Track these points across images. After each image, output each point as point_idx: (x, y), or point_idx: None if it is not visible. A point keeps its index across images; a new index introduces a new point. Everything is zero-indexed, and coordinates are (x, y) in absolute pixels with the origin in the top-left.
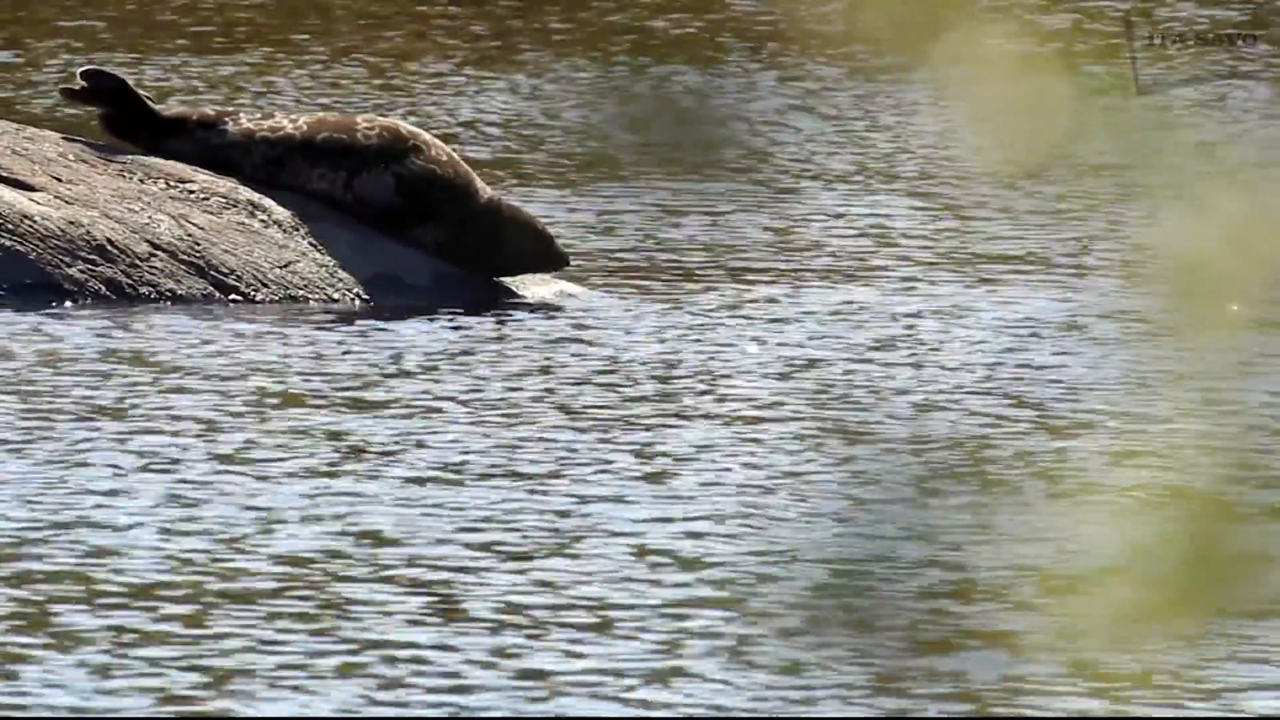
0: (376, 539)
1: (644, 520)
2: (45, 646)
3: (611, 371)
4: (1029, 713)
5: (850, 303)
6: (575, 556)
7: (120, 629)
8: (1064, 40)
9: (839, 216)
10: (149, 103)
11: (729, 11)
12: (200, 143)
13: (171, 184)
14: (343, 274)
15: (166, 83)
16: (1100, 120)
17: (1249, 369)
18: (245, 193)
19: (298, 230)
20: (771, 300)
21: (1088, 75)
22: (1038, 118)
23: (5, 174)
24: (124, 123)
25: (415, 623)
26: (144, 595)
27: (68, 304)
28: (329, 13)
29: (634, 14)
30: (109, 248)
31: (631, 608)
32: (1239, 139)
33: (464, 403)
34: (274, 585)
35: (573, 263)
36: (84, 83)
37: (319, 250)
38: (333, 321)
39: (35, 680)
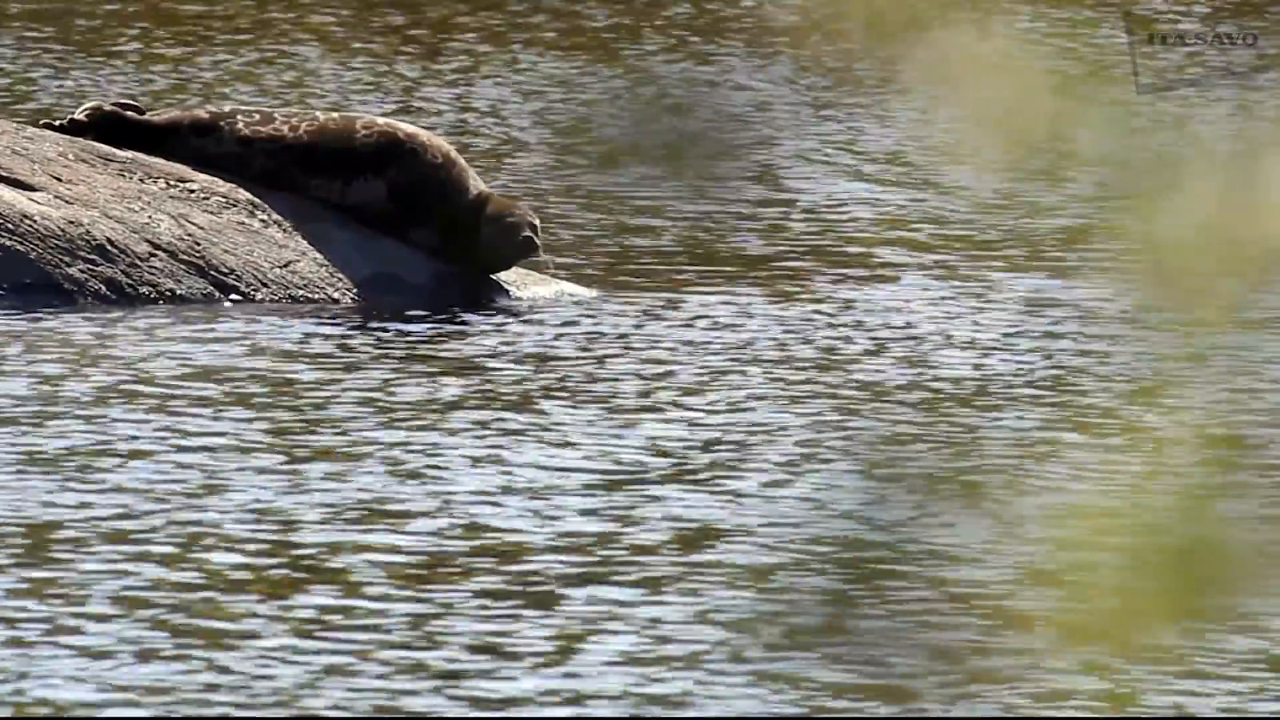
0: (379, 534)
1: (646, 518)
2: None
3: (611, 371)
4: (1029, 712)
5: (853, 297)
6: (572, 552)
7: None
8: (1064, 40)
9: (841, 210)
10: (137, 116)
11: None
12: (196, 150)
13: (171, 184)
14: (342, 273)
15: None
16: (1100, 119)
17: (1248, 362)
18: (245, 193)
19: (297, 230)
20: (774, 296)
21: (1088, 75)
22: (1038, 115)
23: (5, 174)
24: (113, 138)
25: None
26: (153, 590)
27: (68, 304)
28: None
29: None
30: (109, 248)
31: (653, 603)
32: (1236, 137)
33: (464, 401)
34: (286, 582)
35: (572, 263)
36: (68, 120)
37: (318, 250)
38: (333, 321)
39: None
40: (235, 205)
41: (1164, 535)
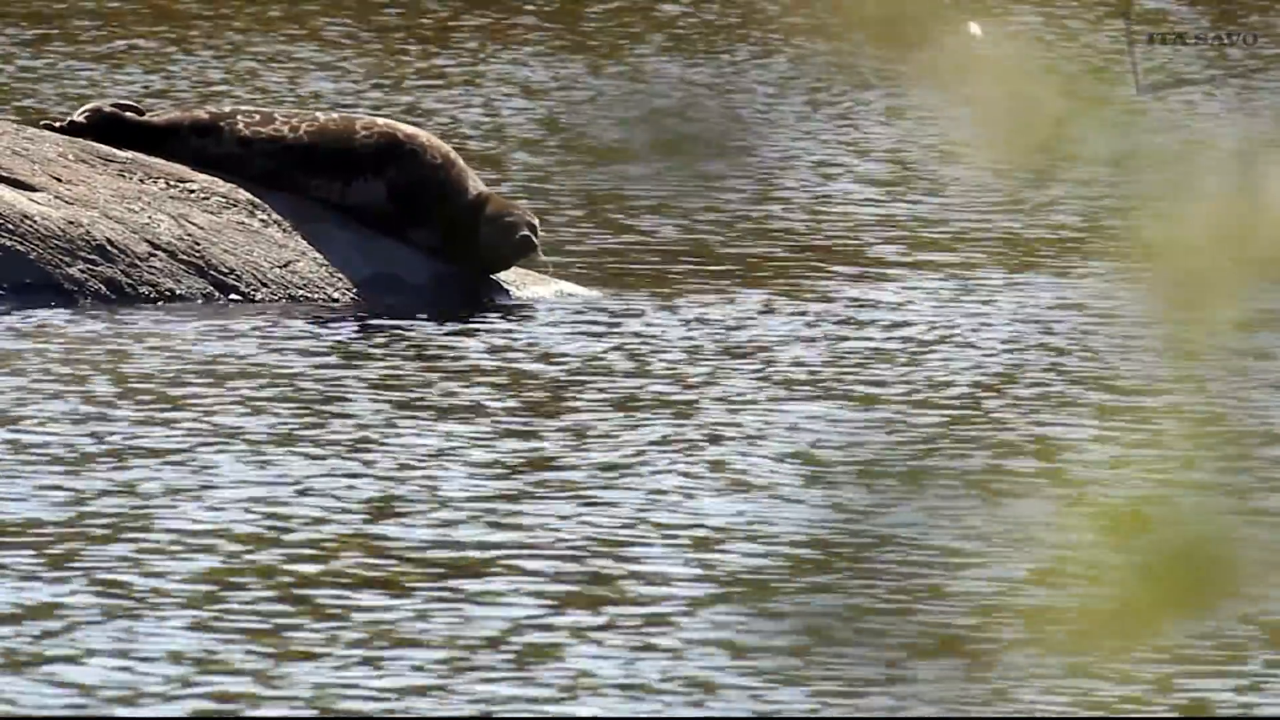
0: (381, 534)
1: (646, 518)
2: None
3: (611, 370)
4: (1030, 712)
5: (854, 296)
6: (573, 550)
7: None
8: (1064, 39)
9: (841, 210)
10: (137, 118)
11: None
12: (196, 151)
13: (171, 184)
14: (342, 273)
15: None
16: (1100, 118)
17: (1245, 363)
18: (245, 193)
19: (297, 230)
20: (772, 295)
21: (1088, 73)
22: (1037, 115)
23: (5, 174)
24: (113, 140)
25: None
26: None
27: (68, 304)
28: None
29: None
30: (109, 248)
31: (649, 600)
32: (1235, 136)
33: (463, 401)
34: (287, 580)
35: (571, 262)
36: (69, 120)
37: (318, 250)
38: (332, 321)
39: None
40: (235, 205)
41: (1169, 535)
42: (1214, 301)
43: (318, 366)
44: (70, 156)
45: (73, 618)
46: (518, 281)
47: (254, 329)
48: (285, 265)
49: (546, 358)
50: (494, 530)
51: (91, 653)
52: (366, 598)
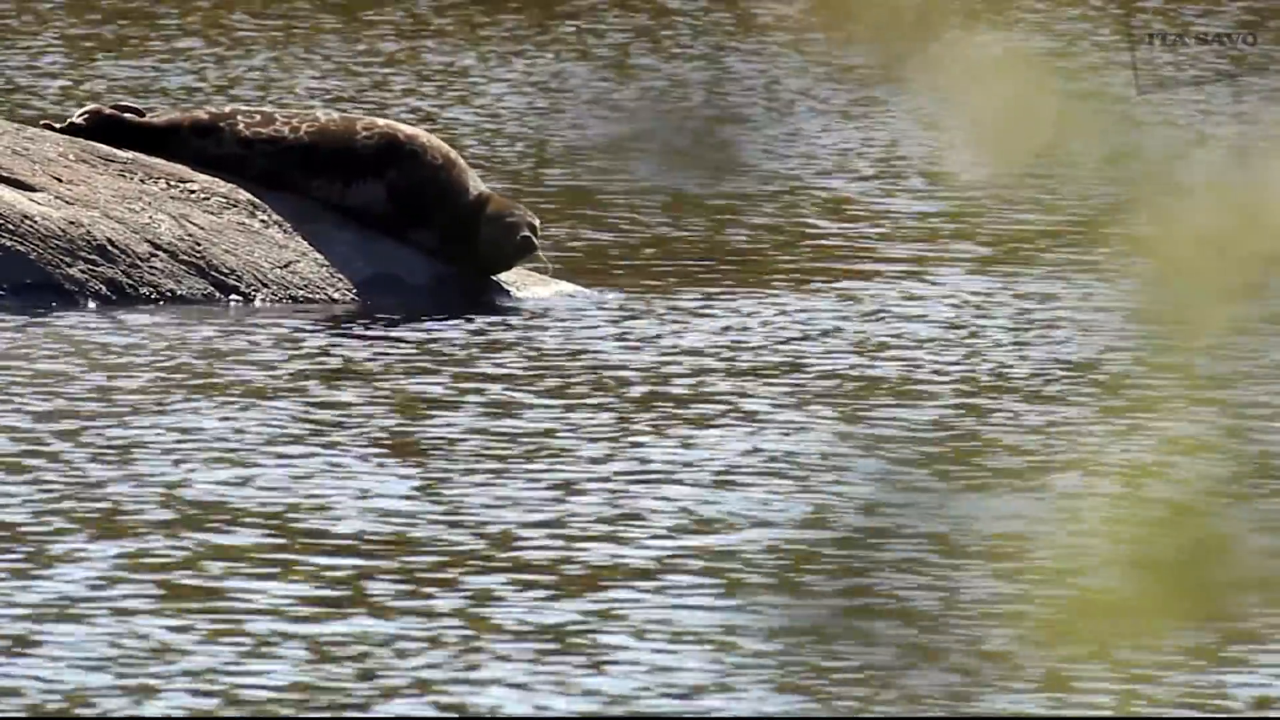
0: (383, 533)
1: (645, 519)
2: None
3: (612, 370)
4: (1031, 713)
5: (854, 296)
6: (576, 550)
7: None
8: (1065, 39)
9: (842, 210)
10: (136, 119)
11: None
12: (196, 152)
13: (172, 184)
14: (342, 274)
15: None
16: (1101, 118)
17: (1244, 364)
18: (245, 193)
19: (298, 230)
20: (771, 296)
21: (1088, 74)
22: (1036, 115)
23: (5, 174)
24: (113, 141)
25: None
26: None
27: (68, 304)
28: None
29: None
30: (109, 248)
31: (658, 594)
32: (1235, 136)
33: (464, 402)
34: (288, 576)
35: (571, 262)
36: (72, 122)
37: (319, 250)
38: (333, 322)
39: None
40: (235, 206)
41: (1169, 536)
42: (1214, 299)
43: (318, 367)
44: (71, 156)
45: (71, 616)
46: (518, 282)
47: (254, 329)
48: (286, 266)
49: (547, 358)
50: (495, 529)
51: (87, 651)
52: (367, 596)
